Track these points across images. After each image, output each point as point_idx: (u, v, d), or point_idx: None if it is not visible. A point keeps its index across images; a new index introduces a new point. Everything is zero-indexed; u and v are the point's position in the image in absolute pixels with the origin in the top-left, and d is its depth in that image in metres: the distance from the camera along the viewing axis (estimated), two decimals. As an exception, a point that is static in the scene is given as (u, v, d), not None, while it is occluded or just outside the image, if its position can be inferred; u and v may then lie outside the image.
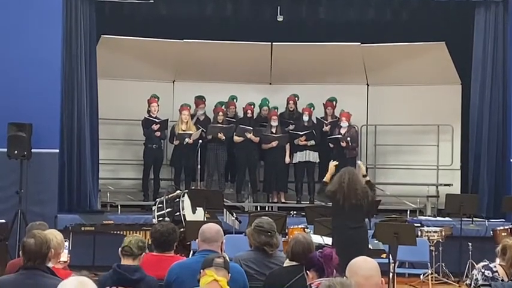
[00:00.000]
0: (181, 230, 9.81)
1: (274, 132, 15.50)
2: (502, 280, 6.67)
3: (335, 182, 9.64)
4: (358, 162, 11.64)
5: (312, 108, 15.94)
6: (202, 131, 15.11)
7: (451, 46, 15.79)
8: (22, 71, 13.14)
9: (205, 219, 11.39)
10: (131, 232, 12.05)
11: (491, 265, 6.89)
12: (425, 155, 16.55)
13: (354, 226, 9.32)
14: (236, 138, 15.39)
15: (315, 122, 15.84)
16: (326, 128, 15.69)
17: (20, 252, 5.68)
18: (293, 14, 15.57)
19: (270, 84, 17.09)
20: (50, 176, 13.34)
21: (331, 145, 15.44)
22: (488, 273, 6.82)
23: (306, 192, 15.87)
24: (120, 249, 6.31)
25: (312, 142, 15.52)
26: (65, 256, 6.94)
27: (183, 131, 15.17)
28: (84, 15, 14.04)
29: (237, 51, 16.19)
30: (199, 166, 14.75)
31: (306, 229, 11.43)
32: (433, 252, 11.98)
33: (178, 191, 13.18)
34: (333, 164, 10.47)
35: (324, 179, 10.37)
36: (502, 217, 13.73)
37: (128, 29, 15.79)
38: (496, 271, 6.83)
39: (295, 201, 15.77)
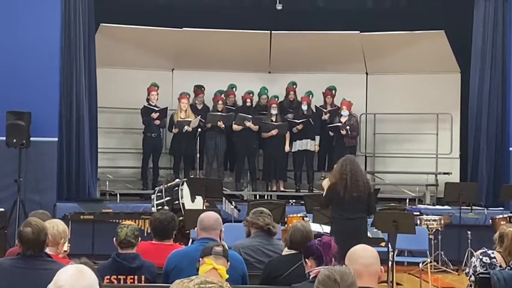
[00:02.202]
0: (181, 218, 9.81)
1: (274, 120, 15.49)
2: (500, 266, 6.67)
3: (335, 173, 9.41)
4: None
5: (310, 95, 15.91)
6: (200, 119, 15.09)
7: (450, 34, 15.75)
8: (21, 60, 13.12)
9: (204, 208, 11.38)
10: (130, 221, 12.09)
11: (489, 252, 6.90)
12: (424, 143, 16.55)
13: (354, 217, 9.24)
14: (235, 127, 15.38)
15: (314, 110, 15.82)
16: (325, 117, 15.68)
17: (17, 241, 5.66)
18: (292, 3, 15.55)
19: (269, 73, 17.08)
20: (48, 165, 13.34)
21: (331, 133, 15.46)
22: (486, 260, 6.83)
23: (305, 180, 15.88)
24: (116, 242, 6.32)
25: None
26: (65, 245, 6.94)
27: (182, 119, 15.16)
28: (83, 3, 14.00)
29: (236, 40, 16.15)
30: (198, 155, 14.78)
31: (305, 218, 11.42)
32: (432, 241, 11.98)
33: (177, 180, 13.18)
34: (325, 181, 10.10)
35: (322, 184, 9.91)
36: (501, 205, 13.75)
37: (127, 18, 15.74)
38: (494, 257, 6.83)
39: (294, 190, 15.78)
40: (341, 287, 3.77)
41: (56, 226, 6.44)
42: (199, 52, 16.28)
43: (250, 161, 15.74)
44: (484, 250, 7.00)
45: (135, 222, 11.95)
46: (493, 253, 6.88)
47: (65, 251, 6.86)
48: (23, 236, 5.49)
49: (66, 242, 6.83)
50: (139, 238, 6.46)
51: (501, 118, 14.31)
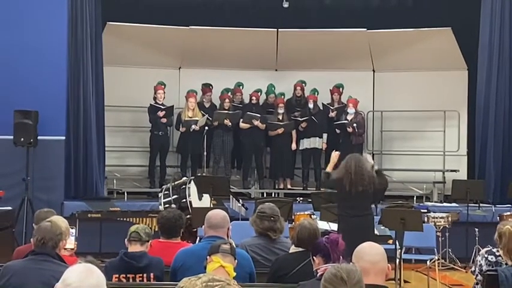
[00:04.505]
0: (188, 216, 9.82)
1: (280, 119, 15.50)
2: (506, 264, 6.65)
3: (341, 169, 9.48)
4: (365, 154, 11.52)
5: (316, 93, 15.91)
6: (207, 118, 15.11)
7: (457, 32, 15.76)
8: (28, 59, 13.13)
9: (211, 206, 11.39)
10: (137, 219, 12.14)
11: (494, 250, 6.87)
12: (431, 140, 16.54)
13: (360, 214, 9.26)
14: (243, 125, 15.39)
15: (321, 108, 15.81)
16: (332, 114, 15.67)
17: (34, 233, 5.69)
18: (299, 0, 15.55)
19: (276, 70, 17.08)
20: (56, 163, 13.34)
21: (338, 131, 15.45)
22: (492, 258, 6.80)
23: (313, 178, 15.88)
24: (127, 238, 6.35)
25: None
26: (71, 243, 6.96)
27: (190, 117, 15.18)
28: (90, 2, 14.02)
29: (243, 38, 16.17)
30: (205, 153, 14.78)
31: (312, 215, 11.42)
32: (440, 238, 11.98)
33: (184, 178, 13.18)
34: (335, 154, 10.27)
35: (326, 169, 10.12)
36: (509, 202, 13.71)
37: (133, 16, 15.79)
38: (500, 255, 6.81)
39: (302, 188, 15.79)
40: (348, 285, 3.77)
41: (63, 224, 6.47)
42: (206, 50, 16.30)
43: (257, 159, 15.75)
44: (489, 248, 6.97)
45: (142, 220, 12.05)
46: (498, 251, 6.86)
47: (71, 249, 6.89)
48: (41, 227, 5.62)
49: (72, 239, 6.87)
50: (150, 239, 6.47)
51: (508, 115, 14.29)
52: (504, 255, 6.72)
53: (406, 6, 15.89)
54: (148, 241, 6.42)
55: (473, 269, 7.17)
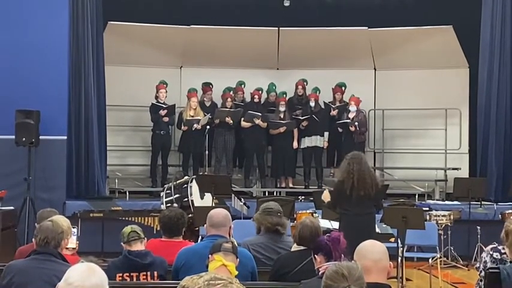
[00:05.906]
0: (190, 215, 9.82)
1: (282, 117, 15.50)
2: (511, 262, 6.65)
3: (343, 171, 9.36)
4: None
5: (318, 92, 15.90)
6: (209, 117, 15.11)
7: (458, 29, 15.74)
8: (29, 58, 13.13)
9: (213, 205, 11.40)
10: (139, 218, 12.17)
11: (500, 247, 6.87)
12: (433, 139, 16.54)
13: (362, 212, 9.23)
14: (244, 124, 15.39)
15: (322, 106, 15.81)
16: (333, 112, 15.66)
17: (35, 233, 5.70)
18: (300, -1, 15.56)
19: (277, 69, 17.08)
20: (58, 163, 13.35)
21: (340, 130, 15.44)
22: (497, 255, 6.80)
23: (314, 177, 15.88)
24: (124, 240, 6.35)
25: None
26: (73, 243, 6.97)
27: (191, 116, 15.18)
28: (91, 1, 14.02)
29: (244, 37, 16.17)
30: (207, 152, 14.78)
31: (314, 214, 11.41)
32: (442, 236, 11.97)
33: (186, 177, 13.20)
34: (326, 193, 10.15)
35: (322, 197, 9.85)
36: (510, 200, 13.69)
37: (134, 15, 15.79)
38: (505, 253, 6.81)
39: (303, 186, 15.79)
40: (349, 281, 3.77)
41: (64, 223, 6.48)
42: (207, 49, 16.30)
43: (259, 157, 15.75)
44: (494, 245, 6.97)
45: (144, 219, 12.09)
46: (503, 248, 6.85)
47: (73, 248, 6.90)
48: (42, 226, 5.64)
49: (74, 238, 6.88)
50: (145, 237, 6.52)
51: (510, 113, 14.28)
52: (510, 253, 6.73)
53: (407, 4, 15.89)
54: (144, 238, 6.47)
55: (477, 265, 7.18)
